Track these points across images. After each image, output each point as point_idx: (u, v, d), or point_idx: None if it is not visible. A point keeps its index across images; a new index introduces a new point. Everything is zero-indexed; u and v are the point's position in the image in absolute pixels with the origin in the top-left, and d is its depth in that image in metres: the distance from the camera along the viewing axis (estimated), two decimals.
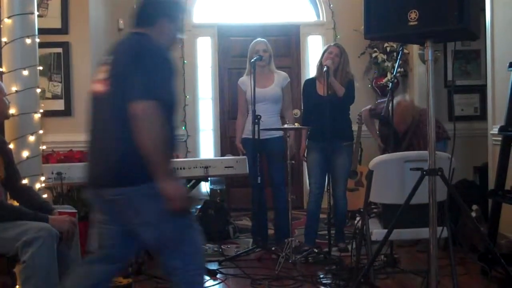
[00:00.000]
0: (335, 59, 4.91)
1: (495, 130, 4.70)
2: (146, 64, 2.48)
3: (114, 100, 2.52)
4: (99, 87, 2.62)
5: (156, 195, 2.43)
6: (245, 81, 5.23)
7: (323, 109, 4.63)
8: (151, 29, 2.70)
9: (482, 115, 6.42)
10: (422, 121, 4.77)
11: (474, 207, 5.02)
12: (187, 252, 2.65)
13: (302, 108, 5.47)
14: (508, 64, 4.33)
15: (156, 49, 2.61)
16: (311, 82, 5.17)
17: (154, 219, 2.55)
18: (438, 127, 4.79)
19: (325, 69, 4.75)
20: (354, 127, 5.52)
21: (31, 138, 3.80)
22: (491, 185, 4.72)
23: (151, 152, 2.41)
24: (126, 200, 2.53)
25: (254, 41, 5.27)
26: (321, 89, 4.86)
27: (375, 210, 3.93)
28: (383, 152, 4.93)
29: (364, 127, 5.61)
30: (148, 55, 2.53)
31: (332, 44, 5.21)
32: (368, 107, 5.40)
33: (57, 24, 5.35)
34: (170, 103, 2.56)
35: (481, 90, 6.40)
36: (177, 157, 4.69)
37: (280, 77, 5.25)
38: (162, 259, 2.64)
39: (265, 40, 5.26)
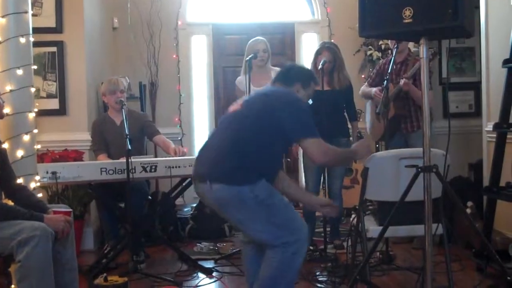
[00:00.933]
0: (330, 59, 4.89)
1: (489, 127, 4.71)
2: (301, 109, 3.21)
3: (247, 119, 3.19)
4: (236, 107, 3.33)
5: (255, 197, 2.99)
6: (242, 80, 5.20)
7: (318, 106, 4.63)
8: (288, 88, 3.37)
9: (476, 112, 6.44)
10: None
11: (469, 203, 5.03)
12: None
13: None
14: (502, 61, 4.34)
15: (302, 100, 3.36)
16: None
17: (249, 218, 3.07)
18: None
19: (323, 60, 4.74)
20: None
21: (26, 138, 3.80)
22: (486, 181, 4.73)
23: (335, 164, 3.61)
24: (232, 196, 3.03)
25: (254, 39, 5.24)
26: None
27: (370, 207, 3.94)
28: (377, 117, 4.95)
29: (359, 125, 5.58)
30: (301, 103, 3.27)
31: (322, 46, 5.09)
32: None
33: (51, 23, 5.33)
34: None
35: (476, 87, 6.41)
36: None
37: None
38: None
39: (265, 39, 5.23)
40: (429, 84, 4.63)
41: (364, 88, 5.22)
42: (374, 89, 5.02)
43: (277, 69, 5.25)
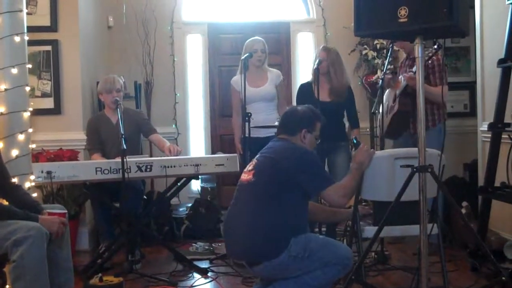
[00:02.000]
0: (324, 58, 4.88)
1: (484, 127, 4.71)
2: (312, 163, 3.31)
3: (262, 190, 3.25)
4: (248, 177, 3.34)
5: (294, 258, 3.12)
6: (238, 80, 5.19)
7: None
8: (295, 138, 3.43)
9: (471, 112, 6.44)
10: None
11: (464, 203, 5.04)
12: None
13: None
14: (497, 61, 4.35)
15: (308, 150, 3.41)
16: (306, 86, 5.10)
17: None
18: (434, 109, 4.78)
19: (318, 60, 4.73)
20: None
21: (21, 137, 3.78)
22: (481, 181, 4.74)
23: (354, 192, 3.45)
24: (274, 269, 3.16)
25: (252, 39, 5.22)
26: (318, 93, 4.80)
27: (366, 207, 3.95)
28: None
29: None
30: (308, 155, 3.33)
31: (321, 48, 5.10)
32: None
33: (46, 21, 5.31)
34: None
35: (471, 87, 6.42)
36: None
37: (273, 75, 5.24)
38: None
39: (263, 39, 5.23)
40: (444, 79, 4.63)
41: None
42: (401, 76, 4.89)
43: (274, 70, 5.28)
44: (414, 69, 4.53)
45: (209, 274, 4.49)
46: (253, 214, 3.23)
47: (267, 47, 5.21)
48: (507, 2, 4.28)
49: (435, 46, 4.35)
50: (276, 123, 4.81)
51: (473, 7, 5.13)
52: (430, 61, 4.62)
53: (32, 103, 4.05)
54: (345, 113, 5.07)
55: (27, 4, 4.54)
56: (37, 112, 4.52)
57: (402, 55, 6.55)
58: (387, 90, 5.03)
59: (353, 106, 5.10)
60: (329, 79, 4.91)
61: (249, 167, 3.43)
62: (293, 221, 3.21)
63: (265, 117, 4.95)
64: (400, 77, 4.79)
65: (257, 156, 3.46)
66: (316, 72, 4.71)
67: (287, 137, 3.45)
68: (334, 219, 3.85)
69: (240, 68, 5.14)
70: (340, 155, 4.91)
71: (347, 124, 5.19)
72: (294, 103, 5.37)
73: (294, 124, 3.46)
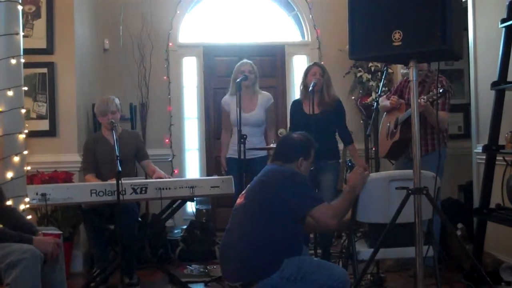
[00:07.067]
0: (320, 79, 4.94)
1: (479, 149, 4.73)
2: (301, 182, 3.31)
3: (252, 213, 3.29)
4: (240, 200, 3.40)
5: (287, 279, 3.12)
6: (228, 101, 5.26)
7: (310, 128, 4.64)
8: (291, 165, 3.44)
9: (466, 134, 6.47)
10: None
11: (459, 225, 5.04)
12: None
13: (288, 128, 5.47)
14: (490, 84, 4.38)
15: (297, 171, 3.42)
16: (297, 103, 5.19)
17: None
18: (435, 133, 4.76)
19: (313, 83, 4.78)
20: (340, 146, 5.51)
21: (16, 159, 3.78)
22: (476, 203, 4.74)
23: (345, 214, 3.40)
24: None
25: (240, 62, 5.34)
26: (307, 109, 4.87)
27: (361, 230, 3.93)
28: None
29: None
30: (296, 177, 3.33)
31: (312, 64, 5.24)
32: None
33: (42, 44, 5.33)
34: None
35: (465, 109, 6.45)
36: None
37: (264, 98, 5.31)
38: None
39: (250, 61, 5.33)
40: (446, 105, 4.65)
41: (382, 99, 5.12)
42: (390, 99, 4.93)
43: (265, 93, 5.35)
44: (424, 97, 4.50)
45: None
46: (245, 235, 3.23)
47: (256, 69, 5.28)
48: (500, 26, 4.33)
49: (441, 90, 4.35)
50: (272, 145, 4.86)
51: (466, 29, 5.18)
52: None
53: (27, 125, 4.05)
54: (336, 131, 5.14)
55: (24, 26, 4.57)
56: (32, 134, 4.52)
57: (396, 77, 6.61)
58: (385, 113, 5.07)
59: (344, 120, 5.14)
60: (320, 94, 4.96)
61: (244, 191, 3.47)
62: (285, 242, 3.20)
63: (249, 140, 4.95)
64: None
65: (252, 181, 3.49)
66: (312, 93, 4.73)
67: (282, 164, 3.47)
68: (348, 204, 3.51)
69: (230, 89, 5.22)
70: (326, 176, 4.95)
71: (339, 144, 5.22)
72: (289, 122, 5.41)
73: (291, 152, 3.48)
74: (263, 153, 5.18)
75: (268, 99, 5.34)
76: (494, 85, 4.35)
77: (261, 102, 5.28)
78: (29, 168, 4.09)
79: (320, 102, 4.97)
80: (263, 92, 5.39)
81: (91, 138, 5.19)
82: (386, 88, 6.55)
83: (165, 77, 6.90)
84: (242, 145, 4.72)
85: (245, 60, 5.36)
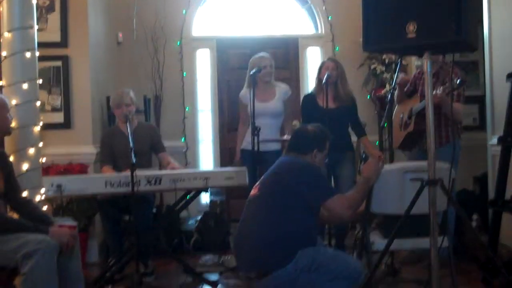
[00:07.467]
0: (333, 72, 4.92)
1: (494, 140, 4.71)
2: (315, 174, 3.34)
3: (266, 204, 3.30)
4: (254, 192, 3.41)
5: (301, 270, 3.10)
6: (245, 94, 5.22)
7: (324, 122, 4.62)
8: (305, 157, 3.44)
9: (481, 126, 6.43)
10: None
11: (474, 217, 5.02)
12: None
13: (301, 122, 5.45)
14: (506, 75, 4.35)
15: (311, 163, 3.43)
16: (310, 97, 5.17)
17: None
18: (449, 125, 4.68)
19: (326, 75, 4.77)
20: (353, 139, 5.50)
21: (31, 151, 3.81)
22: (491, 195, 4.73)
23: (360, 205, 3.38)
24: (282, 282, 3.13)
25: (259, 55, 5.25)
26: (322, 103, 4.84)
27: (375, 221, 3.93)
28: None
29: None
30: (309, 168, 3.37)
31: (326, 59, 5.23)
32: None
33: (56, 37, 5.36)
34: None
35: (480, 100, 6.41)
36: None
37: (282, 90, 5.27)
38: None
39: (269, 55, 5.28)
40: (461, 96, 4.62)
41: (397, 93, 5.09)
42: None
43: (282, 84, 5.32)
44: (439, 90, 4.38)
45: (219, 286, 4.48)
46: (259, 226, 3.24)
47: (273, 62, 5.25)
48: None
49: (458, 81, 4.24)
50: (285, 137, 4.86)
51: (481, 21, 5.14)
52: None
53: (42, 118, 4.08)
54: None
55: (38, 20, 4.59)
56: (47, 127, 4.55)
57: (411, 69, 6.58)
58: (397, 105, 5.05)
59: (357, 114, 5.15)
60: (334, 88, 4.95)
61: (258, 183, 3.48)
62: (299, 233, 3.21)
63: (265, 133, 4.91)
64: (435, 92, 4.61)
65: (266, 172, 3.50)
66: (325, 85, 4.73)
67: (296, 156, 3.47)
68: (363, 195, 3.46)
69: (247, 82, 5.18)
70: (344, 168, 4.95)
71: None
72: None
73: (306, 144, 3.48)
74: (277, 147, 5.17)
75: (286, 90, 5.30)
76: (509, 76, 4.32)
77: (279, 93, 5.24)
78: (44, 160, 4.12)
79: (335, 97, 4.96)
80: (280, 84, 5.37)
81: (107, 132, 5.21)
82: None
83: (178, 70, 6.92)
84: (256, 137, 4.72)
85: (264, 54, 5.27)
